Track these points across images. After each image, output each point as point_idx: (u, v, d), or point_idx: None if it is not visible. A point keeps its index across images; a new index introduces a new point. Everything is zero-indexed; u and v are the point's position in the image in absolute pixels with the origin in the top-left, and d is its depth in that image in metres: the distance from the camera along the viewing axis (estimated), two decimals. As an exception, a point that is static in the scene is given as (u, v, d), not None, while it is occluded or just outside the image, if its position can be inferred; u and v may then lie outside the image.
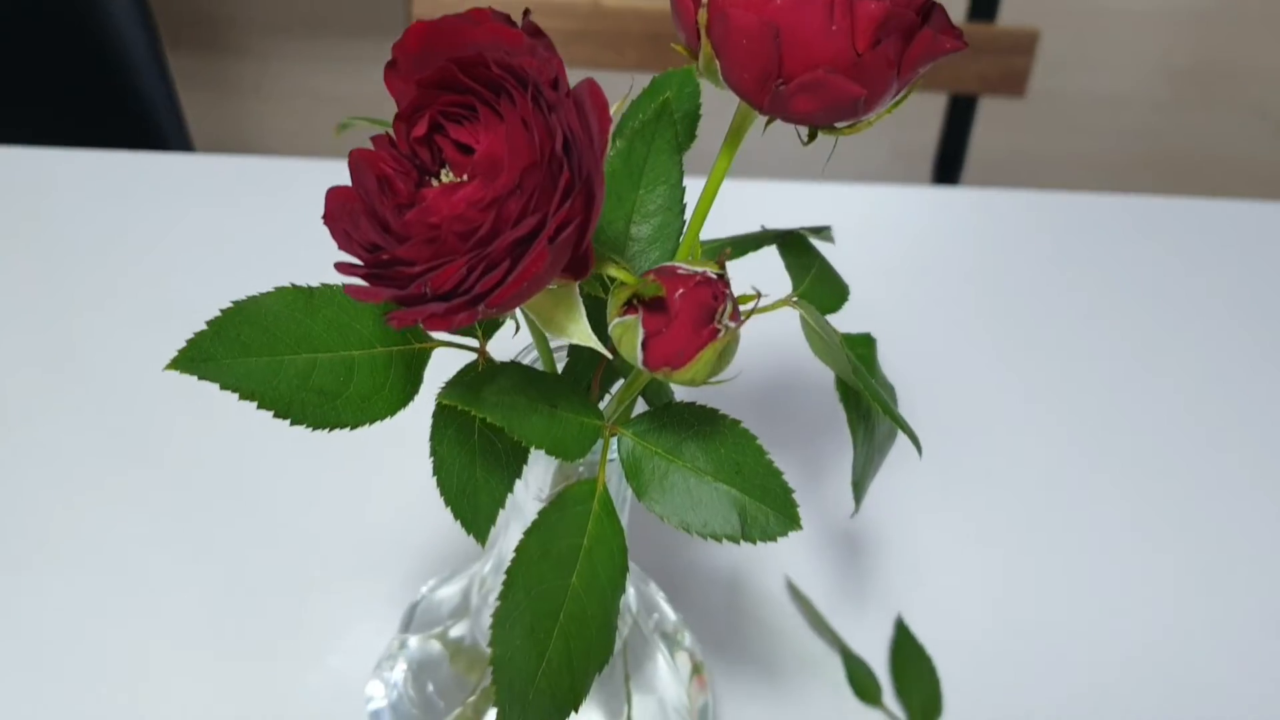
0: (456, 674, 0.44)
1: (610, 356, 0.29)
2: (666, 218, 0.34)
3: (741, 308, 0.29)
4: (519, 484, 0.33)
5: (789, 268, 0.38)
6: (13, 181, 0.72)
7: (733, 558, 0.59)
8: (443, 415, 0.33)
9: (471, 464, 0.33)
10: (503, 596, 0.29)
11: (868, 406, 0.37)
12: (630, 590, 0.44)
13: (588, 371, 0.35)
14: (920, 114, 1.41)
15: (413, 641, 0.45)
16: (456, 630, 0.44)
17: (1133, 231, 0.78)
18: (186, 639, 0.53)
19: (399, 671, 0.45)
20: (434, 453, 0.33)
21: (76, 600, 0.54)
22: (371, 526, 0.57)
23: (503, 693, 0.28)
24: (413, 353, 0.32)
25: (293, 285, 0.31)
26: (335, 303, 0.31)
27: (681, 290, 0.27)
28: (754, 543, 0.31)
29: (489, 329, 0.34)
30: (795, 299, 0.34)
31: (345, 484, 0.59)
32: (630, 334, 0.28)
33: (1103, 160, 2.30)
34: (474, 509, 0.33)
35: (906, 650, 0.54)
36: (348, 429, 0.30)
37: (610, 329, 0.28)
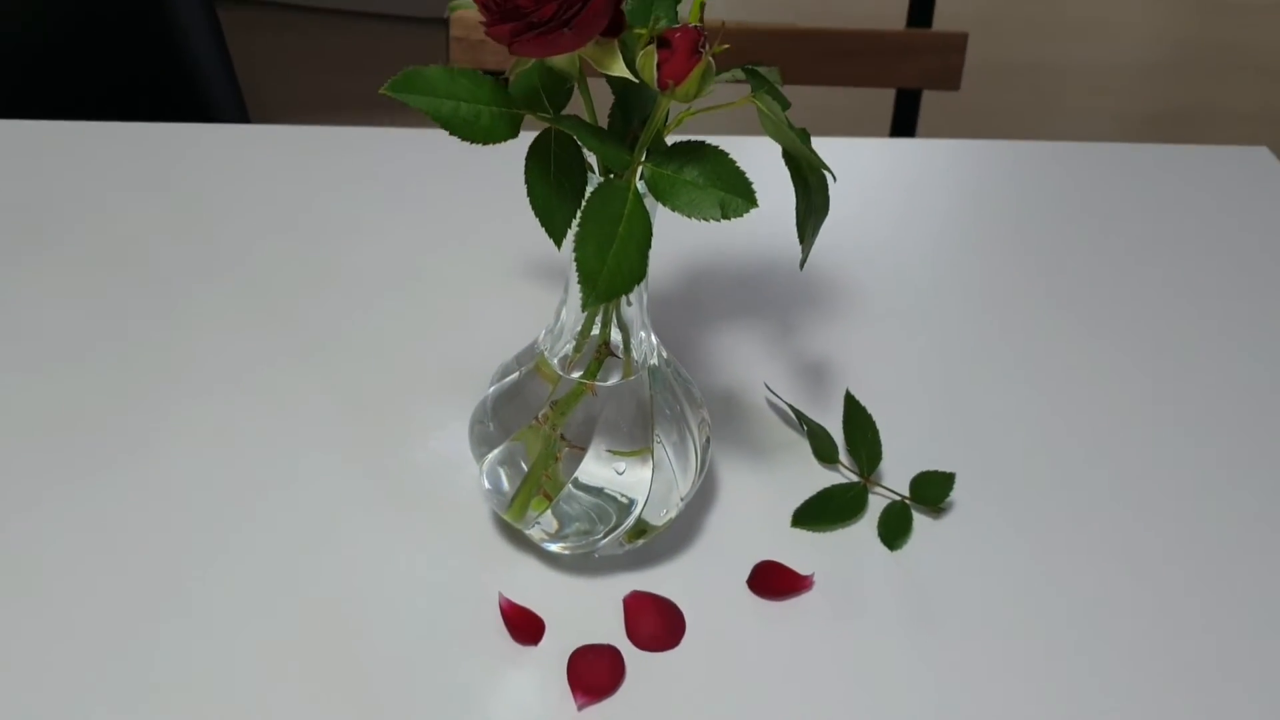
0: (528, 395, 0.62)
1: (637, 79, 0.48)
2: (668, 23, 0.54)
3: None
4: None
5: (751, 85, 0.57)
6: (149, 151, 0.93)
7: (725, 380, 0.77)
8: (534, 155, 0.52)
9: (549, 192, 0.53)
10: (580, 225, 0.48)
11: (805, 169, 0.57)
12: (656, 341, 0.63)
13: (620, 133, 0.54)
14: (872, 110, 1.61)
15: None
16: (529, 366, 0.63)
17: (1096, 174, 0.99)
18: (319, 437, 0.72)
19: (488, 394, 0.64)
20: (526, 180, 0.52)
21: (230, 412, 0.73)
22: (461, 365, 0.77)
23: (582, 279, 0.48)
24: (512, 114, 0.52)
25: (442, 65, 0.50)
26: (466, 78, 0.51)
27: (679, 34, 0.47)
28: (729, 219, 0.51)
29: (557, 104, 0.54)
30: (757, 95, 0.53)
31: (437, 339, 0.79)
32: (649, 61, 0.47)
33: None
34: (551, 222, 0.53)
35: (854, 416, 0.72)
36: (481, 144, 0.49)
37: (636, 61, 0.48)
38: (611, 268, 0.48)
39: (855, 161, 1.00)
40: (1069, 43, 3.01)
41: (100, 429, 0.71)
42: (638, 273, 0.49)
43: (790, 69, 1.27)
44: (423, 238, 0.87)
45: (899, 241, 0.90)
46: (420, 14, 2.67)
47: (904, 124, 1.34)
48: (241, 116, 1.35)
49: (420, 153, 0.94)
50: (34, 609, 0.61)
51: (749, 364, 0.78)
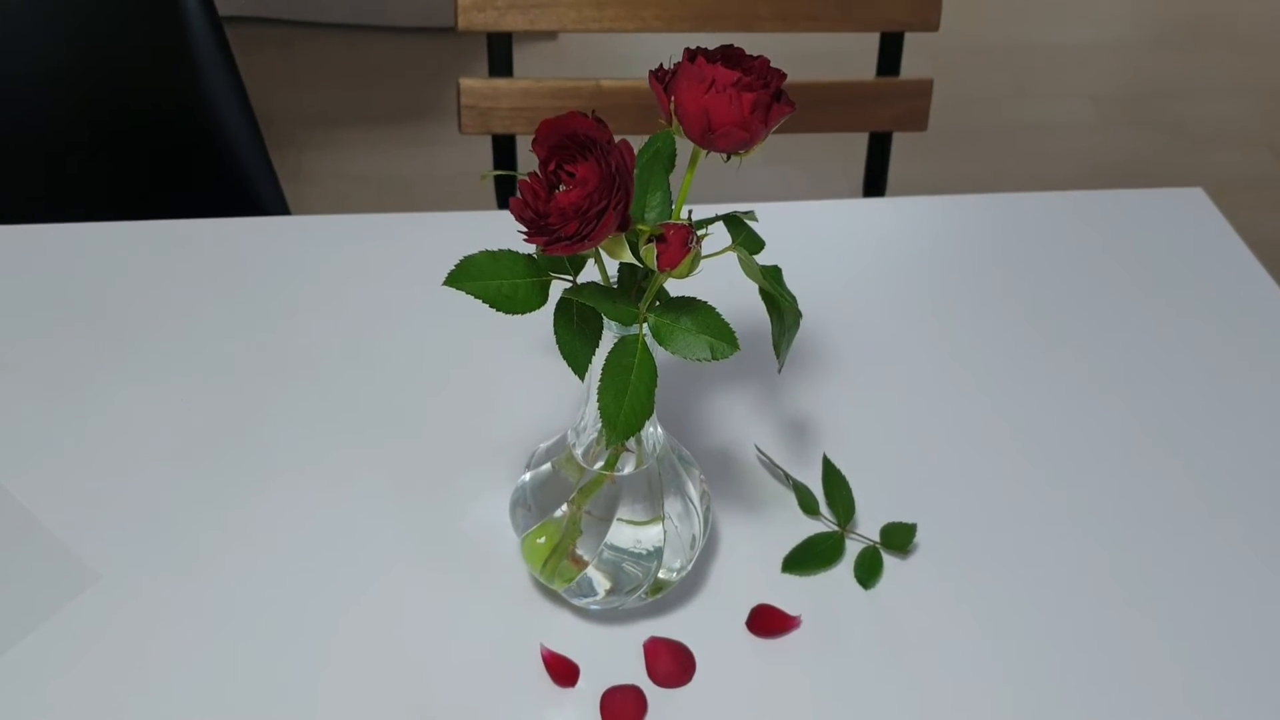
0: (559, 483, 0.76)
1: (642, 264, 0.62)
2: (662, 207, 0.67)
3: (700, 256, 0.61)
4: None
5: (730, 232, 0.70)
6: (204, 245, 1.06)
7: (721, 442, 0.91)
8: (560, 311, 0.65)
9: (573, 337, 0.66)
10: (603, 377, 0.62)
11: (778, 301, 0.70)
12: (662, 432, 0.76)
13: (628, 288, 0.67)
14: (849, 151, 1.73)
15: (531, 471, 0.77)
16: (559, 458, 0.76)
17: (1036, 222, 1.12)
18: (375, 510, 0.85)
19: (525, 481, 0.77)
20: (555, 329, 0.66)
21: (293, 488, 0.86)
22: (497, 438, 0.90)
23: (605, 421, 0.61)
24: (544, 282, 0.65)
25: (485, 250, 0.63)
26: (507, 259, 0.64)
27: (672, 231, 0.60)
28: (716, 360, 0.64)
29: (576, 268, 0.67)
30: (735, 246, 0.66)
31: (473, 415, 0.92)
32: (651, 252, 0.60)
33: (1036, 183, 2.62)
34: (576, 360, 0.66)
35: (831, 475, 0.86)
36: (519, 314, 0.63)
37: (641, 252, 0.61)
38: (628, 411, 0.62)
39: (825, 224, 1.13)
40: (1043, 24, 3.12)
41: (176, 506, 0.84)
42: (648, 411, 0.62)
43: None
44: (457, 322, 1.00)
45: (867, 303, 1.03)
46: (423, 24, 2.78)
47: (879, 149, 1.46)
48: (255, 139, 1.45)
49: (456, 236, 1.07)
50: (116, 701, 0.75)
51: (741, 428, 0.92)
